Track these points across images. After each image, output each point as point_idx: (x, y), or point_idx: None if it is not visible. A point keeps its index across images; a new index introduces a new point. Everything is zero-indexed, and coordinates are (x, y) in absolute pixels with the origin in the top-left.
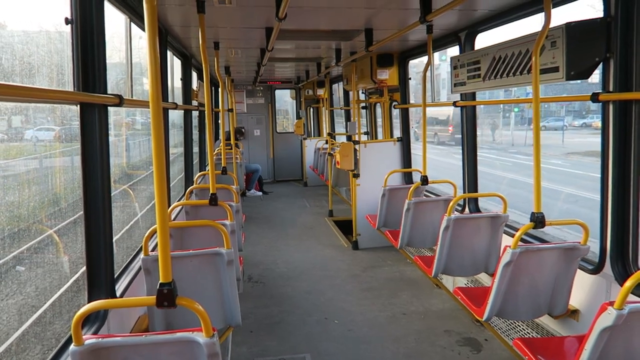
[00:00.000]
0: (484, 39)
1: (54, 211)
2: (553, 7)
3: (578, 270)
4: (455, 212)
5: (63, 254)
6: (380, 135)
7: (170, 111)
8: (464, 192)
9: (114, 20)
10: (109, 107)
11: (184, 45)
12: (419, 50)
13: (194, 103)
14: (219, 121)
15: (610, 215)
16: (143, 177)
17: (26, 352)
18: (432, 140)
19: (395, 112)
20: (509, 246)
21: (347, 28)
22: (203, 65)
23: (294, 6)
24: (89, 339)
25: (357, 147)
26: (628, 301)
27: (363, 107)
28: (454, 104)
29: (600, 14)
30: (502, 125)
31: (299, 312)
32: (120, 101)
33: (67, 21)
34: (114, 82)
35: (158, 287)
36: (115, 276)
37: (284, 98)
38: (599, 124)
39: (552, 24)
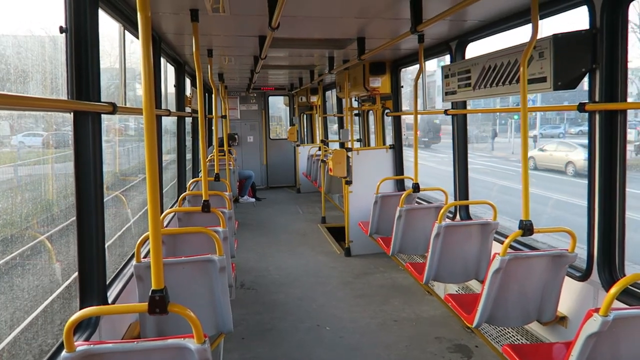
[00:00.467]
0: (476, 48)
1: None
2: (540, 19)
3: (566, 277)
4: (447, 219)
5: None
6: (372, 143)
7: (163, 117)
8: (455, 200)
9: (104, 22)
10: (102, 115)
11: (178, 53)
12: (411, 58)
13: (187, 110)
14: (212, 128)
15: (597, 223)
16: (131, 186)
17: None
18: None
19: (388, 120)
20: (498, 253)
21: (340, 37)
22: (196, 72)
23: (287, 15)
24: (80, 345)
25: (349, 154)
26: (613, 308)
27: (356, 115)
28: (445, 112)
29: (586, 26)
30: (499, 132)
31: (291, 318)
32: (113, 109)
33: (61, 30)
34: (104, 87)
35: (150, 293)
36: (108, 283)
37: (278, 105)
38: None
39: (540, 35)
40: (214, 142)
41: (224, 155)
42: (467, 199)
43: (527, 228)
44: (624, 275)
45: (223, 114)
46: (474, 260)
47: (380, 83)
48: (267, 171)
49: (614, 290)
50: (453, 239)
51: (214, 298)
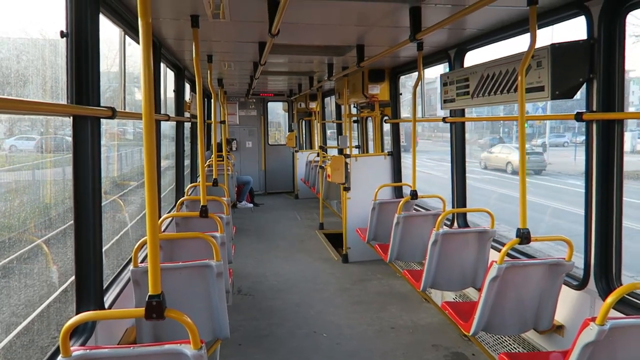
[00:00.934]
0: (475, 57)
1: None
2: (539, 29)
3: (563, 286)
4: (444, 227)
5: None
6: (371, 149)
7: (162, 122)
8: (453, 207)
9: (103, 26)
10: (101, 119)
11: (178, 58)
12: (410, 66)
13: (187, 115)
14: (211, 133)
15: (594, 232)
16: (127, 191)
17: None
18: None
19: (387, 127)
20: (496, 261)
21: (339, 44)
22: (196, 78)
23: (287, 22)
24: (76, 350)
25: (348, 160)
26: (610, 317)
27: (354, 121)
28: (444, 119)
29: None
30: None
31: (288, 325)
32: (113, 113)
33: (62, 34)
34: (101, 91)
35: (147, 298)
36: (104, 287)
37: (277, 110)
38: None
39: (538, 45)
40: (213, 147)
41: (223, 160)
42: (464, 206)
43: (524, 236)
44: (621, 285)
45: (222, 119)
46: (472, 268)
47: (379, 90)
48: (265, 177)
49: (610, 299)
50: (450, 246)
51: (211, 304)
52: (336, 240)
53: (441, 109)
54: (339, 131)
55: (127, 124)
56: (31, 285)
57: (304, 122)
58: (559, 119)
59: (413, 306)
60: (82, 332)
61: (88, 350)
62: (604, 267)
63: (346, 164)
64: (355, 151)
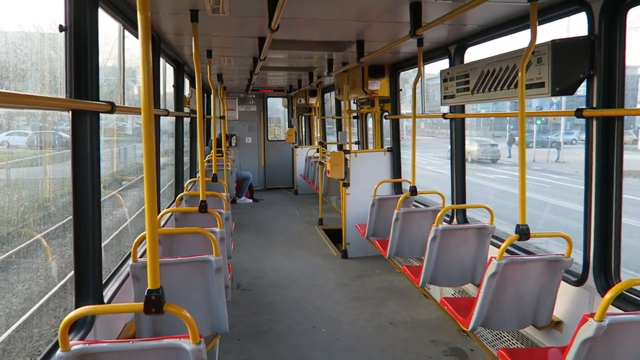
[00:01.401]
0: (475, 53)
1: None
2: (539, 25)
3: (562, 282)
4: (443, 223)
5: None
6: (371, 145)
7: (161, 118)
8: (452, 203)
9: (99, 20)
10: (100, 114)
11: (177, 53)
12: (410, 62)
13: (186, 110)
14: (211, 128)
15: (593, 228)
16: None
17: None
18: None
19: (387, 123)
20: (495, 257)
21: (339, 39)
22: (195, 73)
23: (287, 17)
24: (75, 344)
25: (347, 156)
26: (609, 313)
27: (354, 117)
28: (444, 115)
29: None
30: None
31: (287, 320)
32: (112, 108)
33: (61, 28)
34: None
35: (146, 293)
36: (103, 282)
37: (276, 106)
38: None
39: (539, 41)
40: (212, 143)
41: (222, 156)
42: (464, 202)
43: (523, 232)
44: (620, 281)
45: (221, 114)
46: (471, 264)
47: (379, 86)
48: (264, 172)
49: (609, 295)
50: (450, 242)
51: (210, 299)
52: (335, 236)
53: (441, 105)
54: (339, 127)
55: (126, 119)
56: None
57: (303, 117)
58: (560, 115)
59: (412, 302)
60: (81, 326)
61: (87, 345)
62: (603, 264)
63: (346, 159)
64: (354, 147)
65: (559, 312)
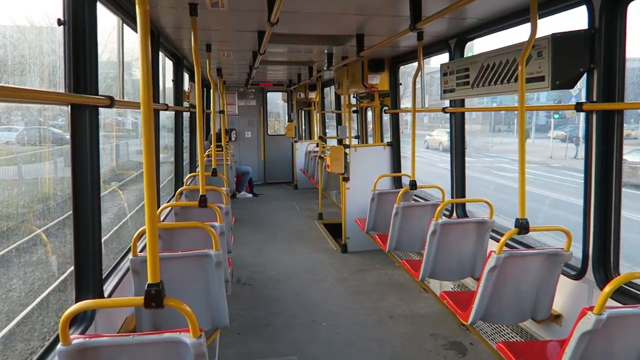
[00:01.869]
0: (481, 46)
1: None
2: (539, 18)
3: (561, 276)
4: (443, 217)
5: None
6: (370, 140)
7: (161, 112)
8: (452, 197)
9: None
10: (99, 108)
11: (176, 47)
12: (410, 56)
13: (185, 104)
14: (210, 123)
15: (592, 222)
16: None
17: None
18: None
19: (386, 117)
20: (494, 251)
21: (338, 33)
22: (195, 67)
23: (286, 11)
24: (76, 338)
25: (347, 150)
26: (607, 306)
27: (354, 111)
28: (443, 110)
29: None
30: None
31: (287, 314)
32: (111, 102)
33: (59, 22)
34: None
35: (146, 287)
36: (104, 276)
37: (276, 100)
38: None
39: (539, 35)
40: (212, 137)
41: (222, 150)
42: (463, 196)
43: (523, 226)
44: (619, 274)
45: (221, 109)
46: (470, 258)
47: (379, 80)
48: (264, 167)
49: (608, 288)
50: (449, 236)
51: (210, 293)
52: (335, 230)
53: (441, 99)
54: (339, 121)
55: (126, 113)
56: None
57: (303, 112)
58: (560, 109)
59: (412, 296)
60: (81, 320)
61: (87, 339)
62: (602, 257)
63: (345, 154)
64: (354, 141)
65: (558, 305)
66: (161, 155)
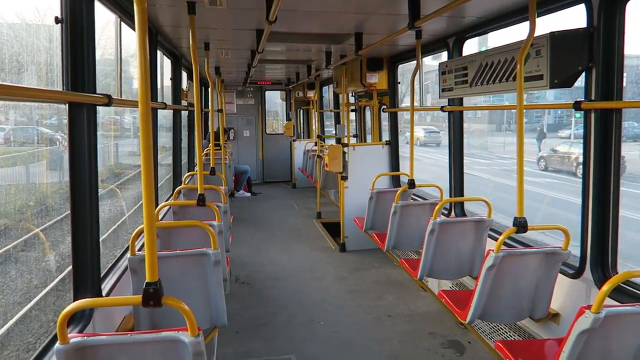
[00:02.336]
0: (473, 46)
1: None
2: (538, 17)
3: (559, 275)
4: (441, 216)
5: None
6: (369, 139)
7: (159, 112)
8: (450, 196)
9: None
10: (97, 107)
11: (174, 45)
12: (409, 55)
13: (184, 103)
14: (209, 122)
15: (590, 221)
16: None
17: None
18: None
19: (385, 116)
20: (492, 250)
21: (337, 32)
22: (193, 66)
23: (285, 9)
24: (74, 337)
25: (345, 149)
26: (605, 305)
27: (352, 110)
28: (442, 108)
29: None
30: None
31: (285, 313)
32: (109, 101)
33: (57, 20)
34: None
35: (144, 286)
36: (102, 275)
37: (274, 99)
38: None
39: (537, 33)
40: (210, 136)
41: (220, 149)
42: (462, 195)
43: (521, 225)
44: (617, 273)
45: (219, 108)
46: (468, 257)
47: (377, 79)
48: (263, 166)
49: (606, 287)
50: (448, 235)
51: (209, 292)
52: (334, 229)
53: (439, 97)
54: (337, 120)
55: (124, 112)
56: None
57: (301, 111)
58: (558, 108)
59: (410, 295)
60: (79, 319)
61: (85, 337)
62: (600, 256)
63: (344, 153)
64: (353, 140)
65: (556, 304)
66: (159, 155)
